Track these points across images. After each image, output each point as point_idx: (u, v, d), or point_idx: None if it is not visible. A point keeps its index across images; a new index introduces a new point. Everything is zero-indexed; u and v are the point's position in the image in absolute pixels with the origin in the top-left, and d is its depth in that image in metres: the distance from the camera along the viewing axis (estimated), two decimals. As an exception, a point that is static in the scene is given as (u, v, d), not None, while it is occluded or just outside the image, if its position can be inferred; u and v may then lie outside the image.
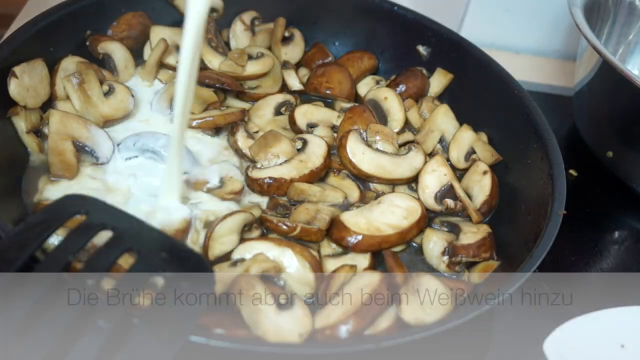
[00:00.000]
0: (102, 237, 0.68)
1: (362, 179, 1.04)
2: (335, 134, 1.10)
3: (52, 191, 0.91)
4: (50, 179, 0.92)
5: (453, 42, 1.22)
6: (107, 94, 1.03)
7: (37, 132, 0.98)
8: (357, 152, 1.03)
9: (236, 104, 1.14)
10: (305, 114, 1.11)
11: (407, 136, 1.13)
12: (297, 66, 1.26)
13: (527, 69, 1.48)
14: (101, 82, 1.03)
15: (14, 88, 0.94)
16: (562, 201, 0.92)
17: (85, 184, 0.93)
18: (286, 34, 1.27)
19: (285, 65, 1.23)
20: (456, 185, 1.03)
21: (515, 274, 0.82)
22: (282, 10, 1.27)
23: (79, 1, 1.08)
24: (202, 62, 1.17)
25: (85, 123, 0.97)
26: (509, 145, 1.10)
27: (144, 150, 0.97)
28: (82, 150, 0.96)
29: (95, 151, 0.96)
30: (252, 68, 1.18)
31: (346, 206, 1.00)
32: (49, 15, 1.03)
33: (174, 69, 1.14)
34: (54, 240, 0.70)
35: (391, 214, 0.95)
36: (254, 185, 0.98)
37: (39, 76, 0.99)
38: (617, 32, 1.37)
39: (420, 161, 1.06)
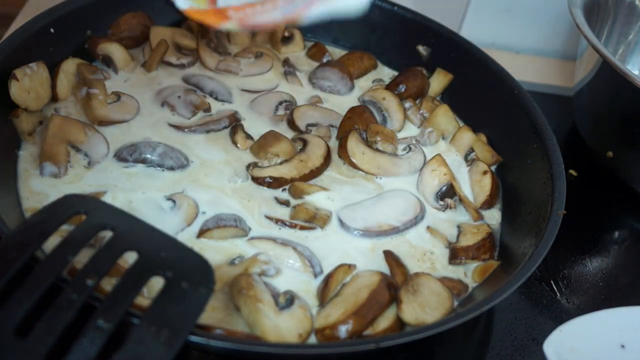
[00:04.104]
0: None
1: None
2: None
3: (45, 192, 0.91)
4: (41, 178, 0.92)
5: (453, 42, 1.22)
6: (112, 103, 1.03)
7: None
8: (357, 152, 1.03)
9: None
10: (304, 114, 1.11)
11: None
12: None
13: (527, 69, 1.48)
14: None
15: (15, 90, 0.94)
16: (562, 201, 0.92)
17: (76, 185, 0.93)
18: (286, 34, 1.27)
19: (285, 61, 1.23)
20: (456, 184, 1.04)
21: (515, 274, 0.82)
22: (282, 10, 1.27)
23: (79, 1, 1.08)
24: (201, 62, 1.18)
25: (83, 128, 0.97)
26: (509, 145, 1.10)
27: (141, 160, 0.97)
28: (75, 151, 0.96)
29: (88, 154, 0.96)
30: (252, 68, 1.19)
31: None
32: (49, 16, 1.03)
33: (174, 67, 1.15)
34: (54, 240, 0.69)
35: None
36: (255, 183, 0.98)
37: (39, 78, 0.98)
38: (617, 32, 1.37)
39: (420, 161, 1.06)
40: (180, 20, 1.23)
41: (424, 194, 1.03)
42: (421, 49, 1.26)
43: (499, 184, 1.07)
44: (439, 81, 1.23)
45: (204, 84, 1.13)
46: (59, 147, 0.94)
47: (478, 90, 1.18)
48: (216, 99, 1.12)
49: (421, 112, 1.18)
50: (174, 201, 0.92)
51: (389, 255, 0.92)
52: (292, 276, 0.88)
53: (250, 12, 0.75)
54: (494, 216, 1.03)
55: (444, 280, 0.90)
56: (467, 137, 1.12)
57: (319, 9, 0.75)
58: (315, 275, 0.88)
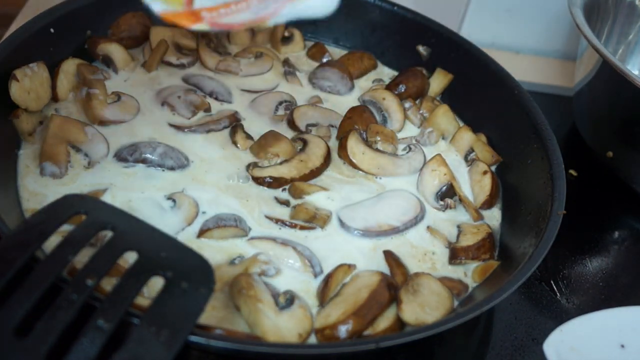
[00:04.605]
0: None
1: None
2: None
3: (45, 192, 0.91)
4: (41, 178, 0.92)
5: (453, 42, 1.22)
6: (112, 103, 1.03)
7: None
8: (357, 152, 1.04)
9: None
10: (304, 114, 1.11)
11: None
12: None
13: (527, 69, 1.48)
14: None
15: (15, 91, 0.94)
16: (562, 201, 0.92)
17: (76, 185, 0.93)
18: (286, 34, 1.28)
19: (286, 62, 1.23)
20: (456, 184, 1.04)
21: (515, 274, 0.82)
22: (282, 10, 1.27)
23: (79, 1, 1.08)
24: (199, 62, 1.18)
25: (83, 128, 0.97)
26: (509, 145, 1.10)
27: (141, 160, 0.97)
28: (75, 151, 0.96)
29: (88, 154, 0.96)
30: (252, 68, 1.19)
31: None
32: (49, 16, 1.03)
33: (174, 67, 1.15)
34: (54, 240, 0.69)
35: None
36: (255, 183, 0.98)
37: (39, 79, 0.98)
38: (617, 32, 1.37)
39: (420, 161, 1.06)
40: (180, 20, 1.23)
41: (424, 194, 1.03)
42: (421, 49, 1.26)
43: (499, 184, 1.07)
44: (439, 81, 1.23)
45: (204, 84, 1.13)
46: (59, 147, 0.94)
47: (478, 90, 1.18)
48: (216, 99, 1.12)
49: (421, 112, 1.18)
50: (174, 200, 0.92)
51: (389, 255, 0.92)
52: (292, 276, 0.88)
53: (223, 13, 0.77)
54: (494, 216, 1.03)
55: (444, 280, 0.90)
56: (467, 137, 1.12)
57: (288, 11, 0.76)
58: (315, 275, 0.88)
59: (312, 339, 0.81)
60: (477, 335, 0.94)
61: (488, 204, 1.03)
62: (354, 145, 1.04)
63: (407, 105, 1.17)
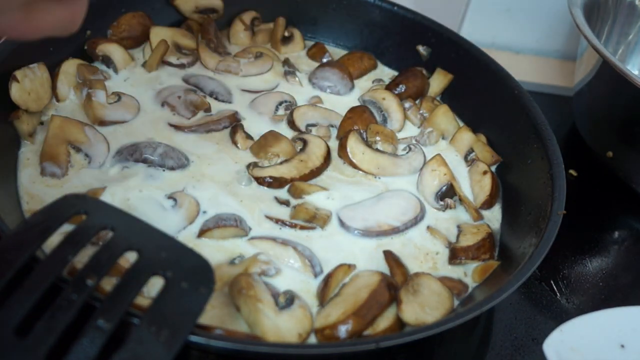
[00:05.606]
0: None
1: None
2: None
3: (45, 192, 0.91)
4: (42, 178, 0.92)
5: (453, 42, 1.22)
6: (112, 103, 1.03)
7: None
8: (357, 152, 1.04)
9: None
10: (304, 114, 1.11)
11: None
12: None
13: (527, 69, 1.48)
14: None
15: (16, 92, 0.94)
16: (562, 201, 0.92)
17: (75, 185, 0.93)
18: (286, 34, 1.28)
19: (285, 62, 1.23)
20: (456, 184, 1.04)
21: (515, 274, 0.82)
22: (282, 10, 1.28)
23: (79, 1, 1.08)
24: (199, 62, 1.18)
25: (84, 128, 0.97)
26: (509, 145, 1.10)
27: (142, 160, 0.97)
28: (75, 151, 0.96)
29: (88, 154, 0.96)
30: (252, 68, 1.19)
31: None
32: (49, 16, 1.03)
33: (174, 67, 1.15)
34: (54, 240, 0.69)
35: None
36: (256, 183, 0.98)
37: (40, 80, 0.98)
38: (617, 32, 1.37)
39: (420, 161, 1.06)
40: (180, 20, 1.23)
41: (424, 194, 1.03)
42: (421, 49, 1.26)
43: (499, 184, 1.07)
44: (439, 81, 1.23)
45: (204, 84, 1.13)
46: (59, 148, 0.94)
47: (478, 91, 1.18)
48: (216, 99, 1.12)
49: (421, 112, 1.18)
50: (174, 200, 0.92)
51: (389, 255, 0.92)
52: (292, 276, 0.88)
53: None
54: (494, 216, 1.03)
55: (444, 280, 0.90)
56: (467, 137, 1.12)
57: None
58: (315, 275, 0.88)
59: (312, 339, 0.81)
60: (477, 335, 0.94)
61: (488, 204, 1.03)
62: (354, 145, 1.04)
63: (407, 105, 1.17)
